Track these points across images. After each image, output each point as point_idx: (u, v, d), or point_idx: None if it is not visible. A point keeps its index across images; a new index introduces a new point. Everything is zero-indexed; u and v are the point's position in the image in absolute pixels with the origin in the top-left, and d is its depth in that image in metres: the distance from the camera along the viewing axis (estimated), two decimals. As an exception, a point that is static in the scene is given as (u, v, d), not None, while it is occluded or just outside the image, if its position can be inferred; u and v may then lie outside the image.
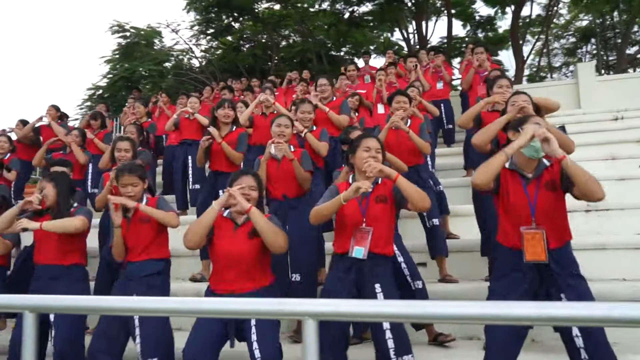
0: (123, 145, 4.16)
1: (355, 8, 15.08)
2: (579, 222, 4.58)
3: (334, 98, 5.29)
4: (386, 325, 2.61)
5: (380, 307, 1.42)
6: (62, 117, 7.24)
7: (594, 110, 8.68)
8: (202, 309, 1.54)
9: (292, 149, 3.89)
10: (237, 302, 1.52)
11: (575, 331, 2.37)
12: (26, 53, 48.65)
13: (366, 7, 15.11)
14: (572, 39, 19.77)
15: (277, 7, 16.35)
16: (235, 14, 16.17)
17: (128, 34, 14.31)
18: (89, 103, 13.79)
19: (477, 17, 17.75)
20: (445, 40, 15.58)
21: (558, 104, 3.86)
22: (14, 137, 6.37)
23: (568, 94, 9.75)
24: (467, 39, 18.23)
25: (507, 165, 2.62)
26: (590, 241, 4.16)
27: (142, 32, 14.55)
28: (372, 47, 17.98)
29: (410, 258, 3.47)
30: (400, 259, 3.39)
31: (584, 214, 4.61)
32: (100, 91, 14.30)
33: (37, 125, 6.85)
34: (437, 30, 16.09)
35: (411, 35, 15.91)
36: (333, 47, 17.80)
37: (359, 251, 2.71)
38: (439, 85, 7.78)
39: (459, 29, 18.27)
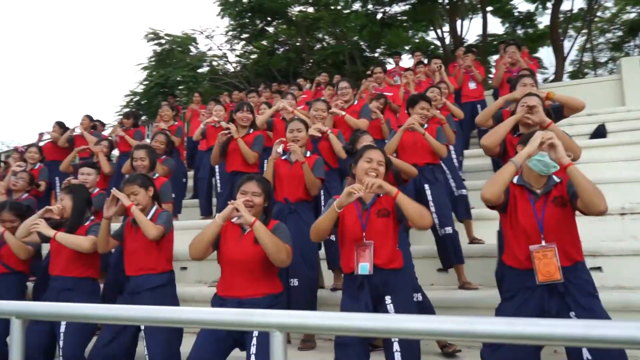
0: (139, 154, 4.23)
1: (387, 9, 14.87)
2: (613, 227, 4.32)
3: (356, 102, 5.20)
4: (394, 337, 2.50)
5: (344, 320, 1.33)
6: (95, 127, 7.44)
7: (639, 107, 8.20)
8: (165, 318, 1.49)
9: (308, 154, 3.84)
10: (204, 312, 1.46)
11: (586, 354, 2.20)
12: (70, 61, 50.83)
13: (398, 7, 14.90)
14: (619, 33, 18.82)
15: (310, 9, 16.36)
16: (269, 19, 16.32)
17: (163, 41, 14.68)
18: (127, 109, 14.18)
19: (516, 13, 17.20)
20: (482, 39, 15.14)
21: (583, 104, 3.64)
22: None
23: (611, 90, 9.26)
24: (505, 36, 17.72)
25: (515, 180, 2.51)
26: (626, 247, 3.91)
27: (177, 39, 14.88)
28: (406, 48, 17.71)
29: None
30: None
31: (618, 218, 4.34)
32: (137, 97, 14.71)
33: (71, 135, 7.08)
34: (473, 28, 15.74)
35: (446, 34, 15.53)
36: (367, 48, 17.70)
37: (364, 267, 2.61)
38: (472, 86, 7.56)
39: (497, 26, 17.81)
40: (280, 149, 3.65)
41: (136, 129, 6.68)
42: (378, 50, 18.17)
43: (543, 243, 2.35)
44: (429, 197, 4.07)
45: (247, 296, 2.72)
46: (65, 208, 3.41)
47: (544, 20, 17.02)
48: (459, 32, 14.95)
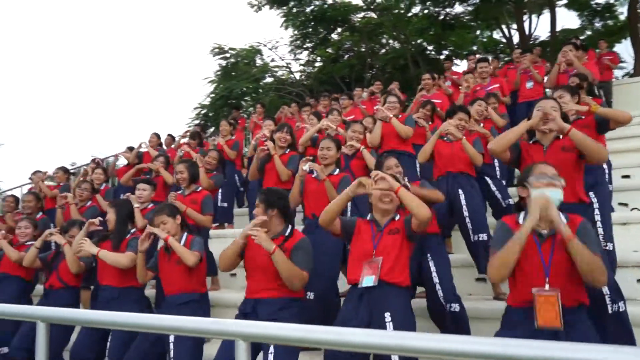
0: (179, 168, 4.56)
1: (449, 10, 14.58)
2: None
3: (400, 115, 5.20)
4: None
5: (306, 332, 1.41)
6: (161, 144, 8.02)
7: None
8: (125, 322, 1.66)
9: (337, 172, 3.92)
10: (167, 319, 1.61)
11: None
12: (145, 77, 54.37)
13: (461, 8, 14.55)
14: None
15: (371, 15, 16.42)
16: (332, 27, 16.58)
17: (228, 55, 15.36)
18: (197, 121, 15.00)
19: (594, 5, 16.17)
20: (556, 34, 14.38)
21: (629, 117, 3.47)
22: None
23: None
24: (585, 30, 16.70)
25: (520, 220, 2.46)
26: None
27: (241, 53, 15.51)
28: (474, 48, 17.20)
29: (449, 281, 3.35)
30: (436, 279, 3.30)
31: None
32: (205, 110, 15.48)
33: (141, 150, 7.69)
34: (543, 24, 14.85)
35: (514, 32, 14.92)
36: (433, 51, 17.42)
37: (369, 279, 2.71)
38: (529, 85, 7.28)
39: (573, 20, 16.82)
40: (306, 167, 3.78)
41: (197, 150, 7.07)
42: (444, 52, 17.85)
43: (547, 287, 2.28)
44: (463, 202, 3.99)
45: (265, 297, 2.91)
46: (109, 221, 3.75)
47: (625, 11, 15.85)
48: (527, 30, 14.31)
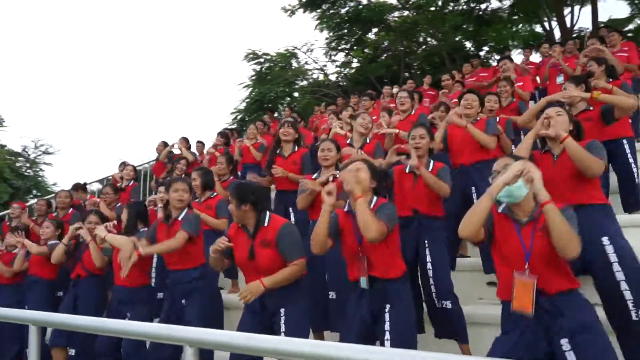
0: (192, 175, 4.67)
1: (485, 5, 14.21)
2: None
3: (413, 111, 5.16)
4: None
5: (251, 340, 1.46)
6: (189, 148, 8.27)
7: None
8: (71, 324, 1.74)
9: (338, 175, 3.88)
10: (117, 323, 1.69)
11: None
12: (186, 85, 55.98)
13: (498, 3, 14.16)
14: None
15: (406, 13, 16.26)
16: (367, 27, 16.54)
17: (262, 60, 15.61)
18: (234, 126, 15.31)
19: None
20: (598, 25, 13.72)
21: (633, 104, 3.29)
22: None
23: None
24: (634, 18, 15.85)
25: (499, 209, 2.39)
26: None
27: (275, 57, 15.71)
28: (514, 43, 16.69)
29: (445, 278, 3.30)
30: (431, 272, 3.28)
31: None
32: (241, 115, 15.77)
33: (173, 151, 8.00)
34: (587, 14, 14.10)
35: (555, 24, 14.34)
36: (472, 47, 17.05)
37: (362, 282, 2.76)
38: (559, 80, 7.01)
39: (622, 9, 15.95)
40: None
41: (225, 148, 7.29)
42: (484, 48, 17.44)
43: (527, 273, 2.23)
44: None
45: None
46: (123, 220, 3.96)
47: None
48: (570, 22, 13.74)
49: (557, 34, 14.42)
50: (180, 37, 57.10)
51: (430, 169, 3.45)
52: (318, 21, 15.86)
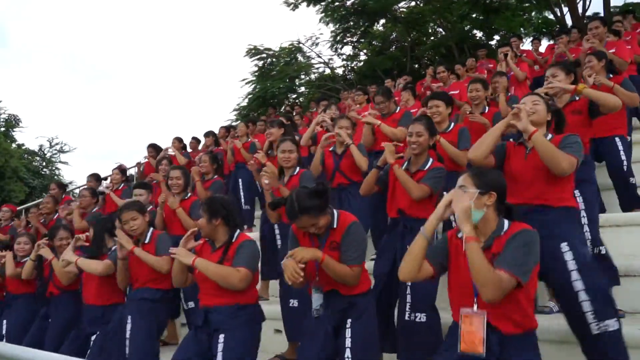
0: (174, 174, 4.53)
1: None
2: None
3: (397, 109, 4.92)
4: None
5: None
6: (185, 147, 8.17)
7: None
8: None
9: (297, 171, 3.80)
10: None
11: None
12: (190, 81, 56.19)
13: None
14: None
15: (412, 3, 15.91)
16: (374, 19, 16.22)
17: (264, 55, 15.41)
18: (236, 122, 15.16)
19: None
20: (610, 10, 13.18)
21: (617, 102, 3.10)
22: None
23: None
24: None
25: (460, 235, 2.16)
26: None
27: (277, 52, 15.50)
28: (523, 31, 16.18)
29: (423, 287, 3.00)
30: (408, 290, 3.05)
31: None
32: (245, 111, 15.61)
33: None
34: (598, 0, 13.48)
35: (565, 10, 13.79)
36: (483, 36, 16.60)
37: (316, 307, 2.67)
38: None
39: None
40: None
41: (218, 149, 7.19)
42: (495, 37, 16.98)
43: (475, 308, 2.00)
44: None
45: (213, 304, 2.81)
46: (88, 238, 3.81)
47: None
48: (581, 7, 13.22)
49: (569, 20, 13.91)
50: (185, 34, 57.40)
51: (426, 167, 3.24)
52: (322, 14, 15.57)
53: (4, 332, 4.44)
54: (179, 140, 7.95)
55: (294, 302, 3.48)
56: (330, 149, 4.23)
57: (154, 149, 7.91)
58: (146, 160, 7.92)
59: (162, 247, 3.42)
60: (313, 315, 2.67)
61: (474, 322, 1.97)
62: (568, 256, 2.45)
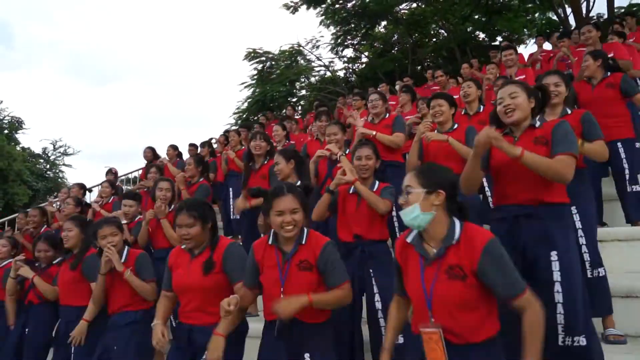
0: (163, 185, 4.37)
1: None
2: None
3: (387, 115, 4.70)
4: None
5: None
6: (181, 155, 7.97)
7: None
8: None
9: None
10: None
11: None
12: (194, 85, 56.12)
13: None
14: None
15: (414, 5, 15.75)
16: (375, 21, 16.07)
17: (263, 58, 15.28)
18: (235, 127, 15.03)
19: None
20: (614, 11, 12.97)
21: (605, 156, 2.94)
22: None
23: None
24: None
25: (409, 239, 2.02)
26: None
27: (277, 55, 15.39)
28: (528, 32, 16.01)
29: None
30: (379, 305, 2.95)
31: None
32: (245, 115, 15.49)
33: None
34: (602, 1, 13.29)
35: (569, 11, 13.59)
36: (486, 37, 16.42)
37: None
38: (568, 76, 6.54)
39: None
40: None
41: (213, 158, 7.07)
42: (498, 38, 16.78)
43: (431, 323, 1.86)
44: None
45: (198, 324, 2.66)
46: (70, 237, 3.71)
47: None
48: (585, 8, 13.00)
49: (573, 21, 13.71)
50: (188, 37, 57.50)
51: (374, 190, 3.16)
52: (323, 17, 15.42)
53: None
54: (173, 148, 7.76)
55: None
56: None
57: (173, 149, 7.73)
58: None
59: (145, 270, 3.32)
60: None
61: (433, 338, 1.85)
62: (555, 266, 2.34)
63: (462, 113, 4.64)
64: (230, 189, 6.44)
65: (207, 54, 56.85)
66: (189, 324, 2.69)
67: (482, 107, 4.44)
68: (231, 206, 6.42)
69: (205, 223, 2.70)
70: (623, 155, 3.87)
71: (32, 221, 5.69)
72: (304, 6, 15.10)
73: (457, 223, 1.92)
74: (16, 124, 27.43)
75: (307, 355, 2.36)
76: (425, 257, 1.93)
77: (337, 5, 15.40)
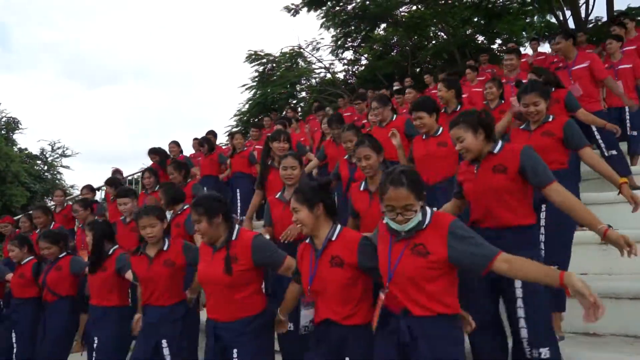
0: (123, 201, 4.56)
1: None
2: None
3: (394, 117, 4.62)
4: None
5: None
6: (182, 151, 7.99)
7: None
8: None
9: None
10: None
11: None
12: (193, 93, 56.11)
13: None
14: None
15: (414, 8, 15.80)
16: (375, 23, 16.11)
17: (264, 60, 15.30)
18: (236, 128, 15.06)
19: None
20: (614, 15, 13.04)
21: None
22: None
23: None
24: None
25: (385, 219, 2.25)
26: None
27: (278, 58, 15.42)
28: (527, 35, 16.09)
29: None
30: None
31: None
32: (245, 117, 15.50)
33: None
34: (601, 4, 13.41)
35: (568, 14, 13.67)
36: (485, 40, 16.49)
37: (304, 324, 2.54)
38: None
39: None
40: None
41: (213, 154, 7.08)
42: (497, 40, 16.85)
43: (386, 290, 2.19)
44: None
45: (221, 320, 2.68)
46: (88, 243, 3.73)
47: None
48: (584, 11, 13.07)
49: (572, 24, 13.79)
50: (187, 39, 57.48)
51: None
52: (323, 19, 15.48)
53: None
54: (176, 144, 7.71)
55: (290, 326, 3.33)
56: (346, 156, 4.09)
57: (176, 145, 7.73)
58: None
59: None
60: (301, 332, 2.50)
61: (378, 303, 2.22)
62: (517, 284, 2.47)
63: (442, 111, 4.49)
64: (238, 190, 6.45)
65: (208, 56, 56.92)
66: (213, 320, 2.72)
67: (459, 105, 4.46)
68: (238, 208, 6.43)
69: (212, 217, 2.67)
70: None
71: (38, 222, 5.70)
72: (305, 9, 15.14)
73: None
74: (13, 125, 27.29)
75: None
76: (396, 235, 2.21)
77: (337, 8, 15.46)
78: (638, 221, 4.12)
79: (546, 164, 2.55)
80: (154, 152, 6.90)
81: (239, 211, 6.50)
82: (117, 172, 7.81)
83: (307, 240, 2.58)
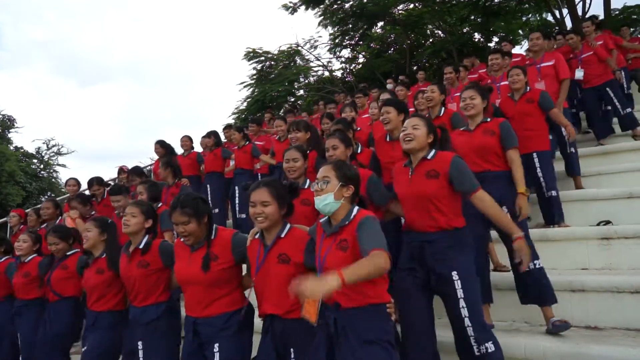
0: (139, 189, 4.49)
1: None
2: None
3: (442, 112, 4.58)
4: None
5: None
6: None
7: None
8: None
9: (307, 184, 3.36)
10: None
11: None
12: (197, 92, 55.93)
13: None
14: None
15: (411, 6, 15.81)
16: (372, 21, 16.11)
17: (262, 58, 15.29)
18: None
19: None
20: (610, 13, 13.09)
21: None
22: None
23: None
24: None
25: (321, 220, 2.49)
26: None
27: (276, 55, 15.40)
28: (522, 33, 16.15)
29: None
30: None
31: None
32: (244, 115, 15.47)
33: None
34: (598, 2, 13.47)
35: (565, 12, 13.71)
36: (482, 39, 16.53)
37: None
38: (578, 75, 6.53)
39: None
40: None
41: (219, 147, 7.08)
42: (494, 39, 16.89)
43: None
44: None
45: (201, 316, 2.73)
46: (90, 238, 3.57)
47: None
48: (581, 9, 13.12)
49: (569, 23, 13.84)
50: (185, 36, 57.29)
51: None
52: (321, 17, 15.46)
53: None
54: (189, 138, 7.51)
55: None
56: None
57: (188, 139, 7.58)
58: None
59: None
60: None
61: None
62: (458, 284, 2.61)
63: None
64: (237, 187, 6.46)
65: (206, 54, 56.90)
66: (193, 317, 2.76)
67: (442, 110, 4.48)
68: (237, 205, 6.45)
69: (200, 218, 2.72)
70: (538, 165, 4.33)
71: (46, 213, 5.64)
72: (303, 7, 15.13)
73: (355, 209, 2.38)
74: (8, 123, 27.14)
75: (292, 351, 2.50)
76: (327, 231, 2.39)
77: (335, 6, 15.45)
78: (637, 217, 4.22)
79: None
80: (162, 145, 7.00)
81: (237, 208, 6.48)
82: (122, 170, 7.77)
83: (257, 236, 2.68)
